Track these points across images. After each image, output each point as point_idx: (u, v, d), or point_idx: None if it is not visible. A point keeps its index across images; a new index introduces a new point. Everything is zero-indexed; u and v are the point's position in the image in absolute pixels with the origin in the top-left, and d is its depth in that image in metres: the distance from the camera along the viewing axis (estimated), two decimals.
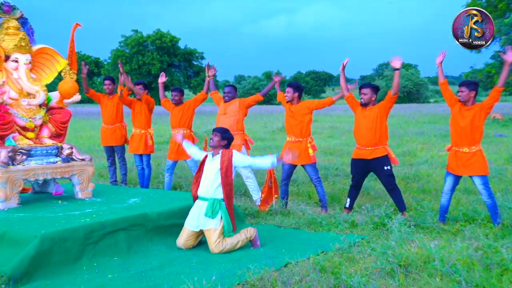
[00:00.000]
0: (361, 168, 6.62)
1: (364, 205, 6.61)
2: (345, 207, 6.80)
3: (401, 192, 6.63)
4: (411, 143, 15.46)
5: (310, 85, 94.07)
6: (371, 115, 6.47)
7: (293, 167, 7.10)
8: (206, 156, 5.45)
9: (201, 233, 5.29)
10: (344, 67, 6.70)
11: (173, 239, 5.33)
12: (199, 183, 5.35)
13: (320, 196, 7.02)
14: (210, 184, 5.21)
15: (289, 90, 7.01)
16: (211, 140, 5.35)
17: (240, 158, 5.29)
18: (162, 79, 8.17)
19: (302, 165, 7.05)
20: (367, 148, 6.49)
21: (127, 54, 62.34)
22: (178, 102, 7.88)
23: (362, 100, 6.55)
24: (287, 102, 7.06)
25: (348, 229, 5.92)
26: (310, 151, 6.85)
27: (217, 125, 7.32)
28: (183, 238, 5.24)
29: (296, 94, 6.98)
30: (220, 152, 5.32)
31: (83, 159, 6.23)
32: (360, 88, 6.60)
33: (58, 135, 6.32)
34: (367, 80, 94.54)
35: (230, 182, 5.24)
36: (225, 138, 5.35)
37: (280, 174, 8.41)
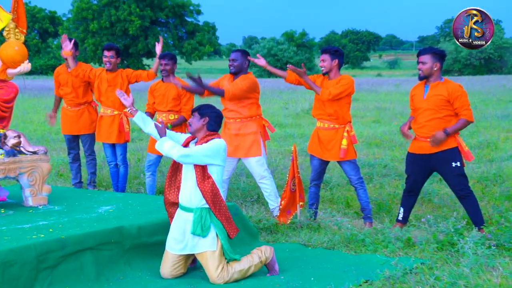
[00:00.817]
0: (420, 166, 6.60)
1: (425, 217, 6.59)
2: (397, 220, 6.78)
3: (477, 200, 6.59)
4: (491, 130, 15.35)
5: (349, 50, 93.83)
6: (435, 94, 6.42)
7: (325, 163, 7.10)
8: (186, 143, 5.37)
9: (191, 254, 5.30)
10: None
11: (159, 261, 5.34)
12: (179, 185, 5.33)
13: (362, 203, 7.03)
14: (194, 188, 5.17)
15: (324, 57, 6.92)
16: (190, 126, 5.30)
17: (203, 144, 5.19)
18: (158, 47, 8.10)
19: (338, 162, 7.03)
20: (428, 139, 6.47)
21: (95, 7, 62.55)
22: (170, 73, 7.85)
23: (420, 72, 6.51)
24: (323, 75, 7.01)
25: (402, 250, 5.90)
26: (344, 142, 6.81)
27: (223, 113, 7.33)
28: (168, 266, 5.22)
29: (336, 63, 6.91)
30: (201, 137, 5.27)
31: (35, 152, 6.25)
32: (418, 55, 6.56)
33: (0, 119, 6.33)
34: (428, 43, 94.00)
35: (211, 189, 5.12)
36: (204, 114, 5.26)
37: (307, 174, 8.39)
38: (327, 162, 7.11)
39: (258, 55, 7.43)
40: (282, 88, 34.43)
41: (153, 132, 5.43)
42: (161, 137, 5.26)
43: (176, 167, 5.34)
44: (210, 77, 59.39)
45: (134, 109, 5.54)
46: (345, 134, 6.85)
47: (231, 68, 7.30)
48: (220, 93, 7.14)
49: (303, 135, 14.67)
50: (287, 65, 6.99)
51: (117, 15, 61.67)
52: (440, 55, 6.48)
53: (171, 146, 5.14)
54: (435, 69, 6.46)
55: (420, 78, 6.56)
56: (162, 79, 7.88)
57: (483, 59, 64.31)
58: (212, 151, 5.13)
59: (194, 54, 64.29)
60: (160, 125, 5.30)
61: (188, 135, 5.46)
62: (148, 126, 5.47)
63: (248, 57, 7.34)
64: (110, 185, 8.83)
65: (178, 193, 5.30)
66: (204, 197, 5.10)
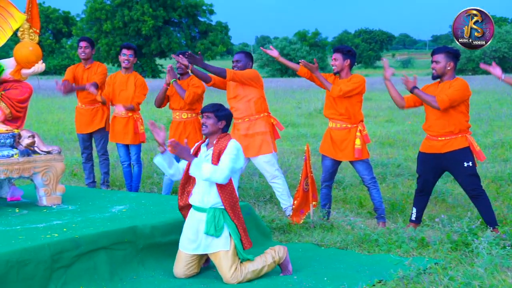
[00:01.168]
0: (431, 166, 6.60)
1: (438, 217, 6.57)
2: (410, 220, 6.77)
3: (489, 200, 6.56)
4: (506, 129, 15.26)
5: (361, 49, 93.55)
6: (442, 92, 6.40)
7: (337, 163, 7.09)
8: (197, 148, 5.36)
9: (204, 254, 5.29)
10: (389, 76, 6.69)
11: (172, 261, 5.35)
12: (189, 190, 5.30)
13: (375, 203, 7.01)
14: (207, 188, 5.16)
15: (336, 56, 6.93)
16: (204, 127, 5.23)
17: (224, 157, 5.09)
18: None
19: (351, 162, 7.02)
20: (439, 139, 6.47)
21: (108, 7, 62.76)
22: (186, 72, 7.86)
23: (433, 71, 6.50)
24: (334, 74, 7.01)
25: (415, 250, 5.89)
26: (358, 141, 6.81)
27: None
28: (182, 266, 5.22)
29: (347, 62, 6.92)
30: (215, 141, 5.25)
31: (49, 152, 6.27)
32: (432, 54, 6.56)
33: (14, 119, 6.36)
34: (441, 42, 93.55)
35: (230, 196, 5.14)
36: (222, 117, 5.23)
37: (320, 173, 8.37)
38: (339, 163, 7.10)
39: (271, 46, 7.46)
40: (295, 88, 34.40)
41: (176, 171, 5.29)
42: (192, 160, 5.07)
43: (189, 176, 5.28)
44: None
45: (164, 148, 5.25)
46: (358, 133, 6.85)
47: (235, 68, 7.32)
48: (221, 71, 7.06)
49: (316, 135, 14.65)
50: (300, 60, 7.02)
51: (130, 15, 61.84)
52: (454, 55, 6.46)
53: (212, 170, 5.01)
54: (449, 68, 6.44)
55: (434, 77, 6.55)
56: (179, 78, 7.88)
57: (498, 58, 63.99)
58: (236, 156, 5.11)
59: (207, 54, 64.31)
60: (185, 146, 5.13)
61: (193, 147, 5.38)
62: (172, 166, 5.26)
63: (261, 48, 7.48)
64: (123, 185, 8.85)
65: (189, 197, 5.31)
66: (223, 202, 5.11)
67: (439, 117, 6.43)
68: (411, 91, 6.44)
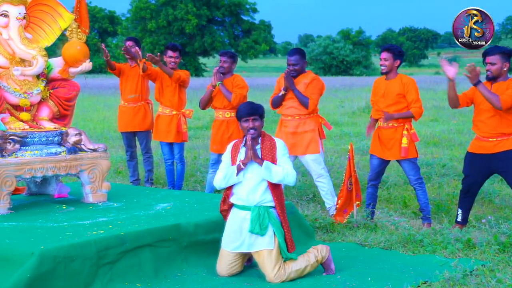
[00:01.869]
0: (480, 167, 6.51)
1: (485, 218, 6.48)
2: (456, 221, 6.68)
3: None
4: None
5: (406, 48, 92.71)
6: (499, 92, 6.30)
7: (384, 162, 7.05)
8: (234, 149, 5.33)
9: (247, 253, 5.30)
10: (453, 75, 6.51)
11: (215, 259, 5.37)
12: (229, 190, 5.30)
13: (421, 203, 6.95)
14: (252, 187, 5.17)
15: (386, 56, 6.87)
16: (253, 131, 5.19)
17: (282, 159, 5.20)
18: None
19: (398, 161, 6.97)
20: (490, 139, 6.39)
21: (153, 7, 63.37)
22: (228, 72, 7.85)
23: (489, 73, 6.38)
24: (382, 74, 6.96)
25: (461, 251, 5.82)
26: (404, 140, 6.76)
27: (281, 110, 7.37)
28: (225, 265, 5.23)
29: (397, 63, 6.91)
30: (259, 139, 5.27)
31: (95, 150, 6.36)
32: (485, 55, 6.43)
33: (62, 117, 6.47)
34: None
35: (281, 189, 5.24)
36: (263, 115, 5.30)
37: (363, 173, 8.33)
38: (387, 162, 7.06)
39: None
40: (338, 87, 34.24)
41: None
42: (261, 164, 5.12)
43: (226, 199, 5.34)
44: (266, 75, 59.59)
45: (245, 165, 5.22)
46: (405, 132, 6.79)
47: (292, 72, 7.20)
48: (305, 102, 7.07)
49: (359, 134, 14.57)
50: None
51: (174, 14, 62.32)
52: (508, 55, 6.36)
53: (284, 173, 5.12)
54: (505, 69, 6.36)
55: (489, 79, 6.44)
56: (222, 74, 7.87)
57: None
58: (288, 155, 5.30)
59: (250, 52, 64.48)
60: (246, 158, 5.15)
61: (229, 147, 5.38)
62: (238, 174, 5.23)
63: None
64: (167, 183, 8.93)
65: (228, 196, 5.31)
66: (273, 194, 5.15)
67: (491, 117, 6.34)
68: (475, 85, 6.29)
